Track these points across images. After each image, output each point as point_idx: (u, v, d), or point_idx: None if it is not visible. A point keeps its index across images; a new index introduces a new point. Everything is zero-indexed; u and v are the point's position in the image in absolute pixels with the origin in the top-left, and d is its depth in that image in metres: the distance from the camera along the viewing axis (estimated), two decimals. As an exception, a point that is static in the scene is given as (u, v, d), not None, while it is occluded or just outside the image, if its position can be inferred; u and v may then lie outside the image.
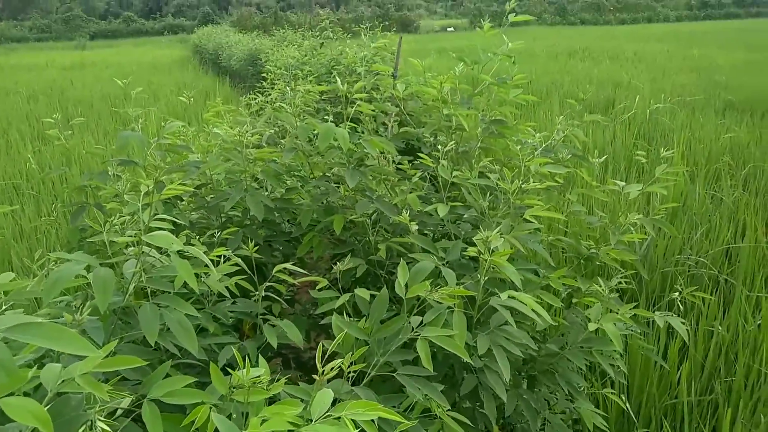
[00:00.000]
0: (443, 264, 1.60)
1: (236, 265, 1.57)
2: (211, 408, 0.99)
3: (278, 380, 1.09)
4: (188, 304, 1.27)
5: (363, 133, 2.45)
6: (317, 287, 1.70)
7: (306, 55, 6.65)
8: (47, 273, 1.32)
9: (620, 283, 1.90)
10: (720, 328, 2.78)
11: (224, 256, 1.56)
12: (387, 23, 9.52)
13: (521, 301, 1.43)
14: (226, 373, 1.09)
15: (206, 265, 1.29)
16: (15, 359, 1.05)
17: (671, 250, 3.68)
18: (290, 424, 0.93)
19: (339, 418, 0.94)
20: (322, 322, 1.71)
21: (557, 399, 1.94)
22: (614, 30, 33.64)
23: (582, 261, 2.07)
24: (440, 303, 1.39)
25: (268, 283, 1.62)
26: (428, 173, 2.26)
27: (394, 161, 2.33)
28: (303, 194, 2.23)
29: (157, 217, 1.31)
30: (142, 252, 1.28)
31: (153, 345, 1.20)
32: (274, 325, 1.57)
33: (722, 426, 2.20)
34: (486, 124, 2.13)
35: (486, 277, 1.52)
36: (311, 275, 1.78)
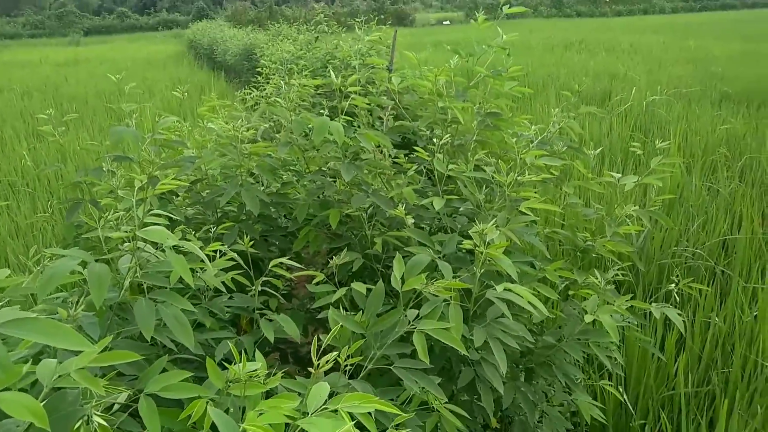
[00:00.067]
0: (439, 257, 1.60)
1: (232, 260, 1.57)
2: (207, 402, 0.99)
3: (275, 374, 1.09)
4: (184, 299, 1.27)
5: (359, 126, 2.45)
6: (314, 281, 1.70)
7: (301, 50, 6.63)
8: (43, 269, 1.32)
9: (617, 275, 1.90)
10: (717, 319, 2.79)
11: (220, 251, 1.55)
12: (382, 16, 9.49)
13: (517, 294, 1.43)
14: (224, 368, 1.09)
15: (202, 260, 1.29)
16: (11, 355, 1.05)
17: (668, 242, 3.69)
18: (287, 417, 0.93)
19: (336, 410, 0.94)
20: (319, 316, 1.71)
21: (554, 391, 1.95)
22: (610, 22, 33.62)
23: (578, 253, 2.07)
24: (436, 296, 1.39)
25: (264, 278, 1.62)
26: (424, 167, 2.26)
27: (389, 155, 2.32)
28: (299, 189, 2.22)
29: (152, 212, 1.31)
30: (138, 247, 1.28)
31: (149, 340, 1.20)
32: (271, 320, 1.57)
33: (719, 417, 2.21)
34: (482, 116, 2.12)
35: (482, 270, 1.52)
36: (308, 270, 1.78)
